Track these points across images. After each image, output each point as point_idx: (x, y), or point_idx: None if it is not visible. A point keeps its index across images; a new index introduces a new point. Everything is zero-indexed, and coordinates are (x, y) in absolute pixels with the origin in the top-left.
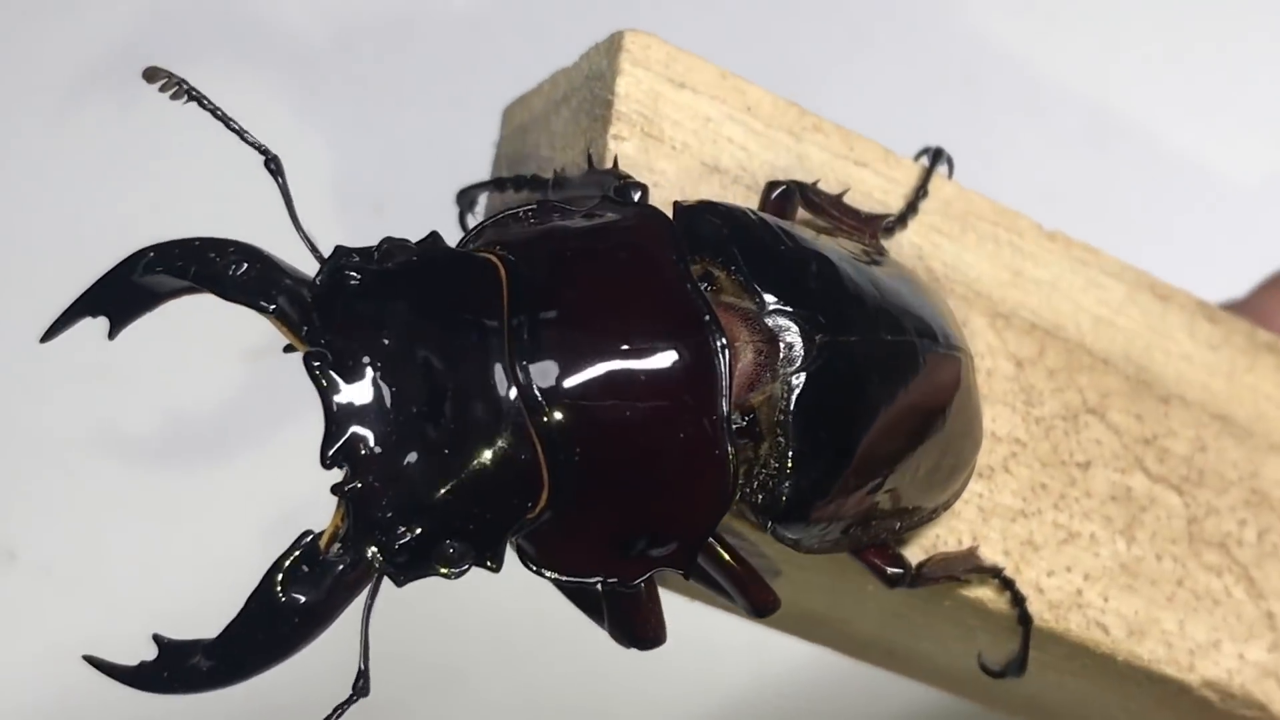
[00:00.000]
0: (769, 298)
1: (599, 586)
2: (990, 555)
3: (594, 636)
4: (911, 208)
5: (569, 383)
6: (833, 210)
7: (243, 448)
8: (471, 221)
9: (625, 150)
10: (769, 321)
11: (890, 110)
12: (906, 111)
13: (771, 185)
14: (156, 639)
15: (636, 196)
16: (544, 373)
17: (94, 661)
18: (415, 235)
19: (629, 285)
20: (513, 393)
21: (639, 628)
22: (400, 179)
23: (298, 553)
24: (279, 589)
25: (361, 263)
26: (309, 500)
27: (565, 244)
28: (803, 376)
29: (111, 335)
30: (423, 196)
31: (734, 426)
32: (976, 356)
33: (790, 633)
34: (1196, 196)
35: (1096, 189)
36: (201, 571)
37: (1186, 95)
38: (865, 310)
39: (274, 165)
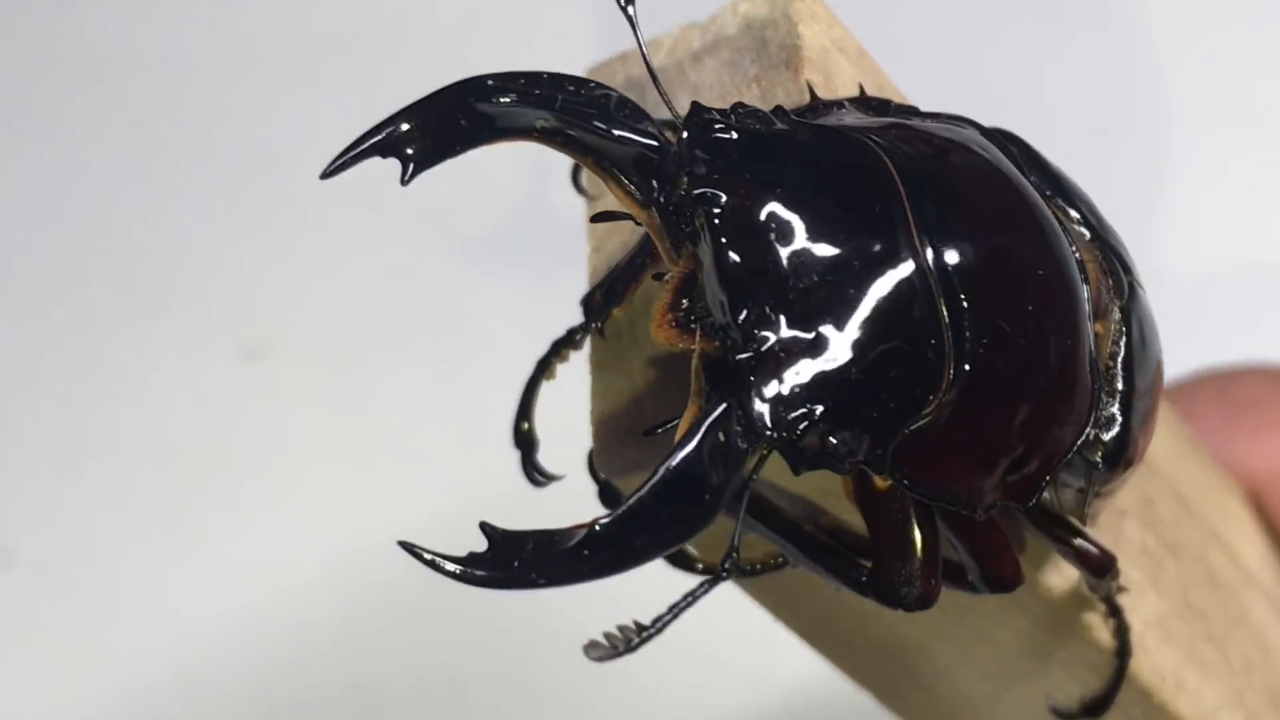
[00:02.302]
0: (1084, 227)
1: (949, 507)
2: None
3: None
4: None
5: (977, 267)
6: None
7: (243, 448)
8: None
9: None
10: (1095, 249)
11: None
12: None
13: None
14: (484, 527)
15: None
16: (952, 253)
17: (410, 548)
18: (414, 235)
19: (1004, 183)
20: (922, 269)
21: (925, 579)
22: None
23: (714, 418)
24: (695, 460)
25: (724, 119)
26: (308, 499)
27: (925, 135)
28: (1125, 309)
29: (406, 180)
30: (422, 196)
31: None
32: None
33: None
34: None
35: None
36: (201, 571)
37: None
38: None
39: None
